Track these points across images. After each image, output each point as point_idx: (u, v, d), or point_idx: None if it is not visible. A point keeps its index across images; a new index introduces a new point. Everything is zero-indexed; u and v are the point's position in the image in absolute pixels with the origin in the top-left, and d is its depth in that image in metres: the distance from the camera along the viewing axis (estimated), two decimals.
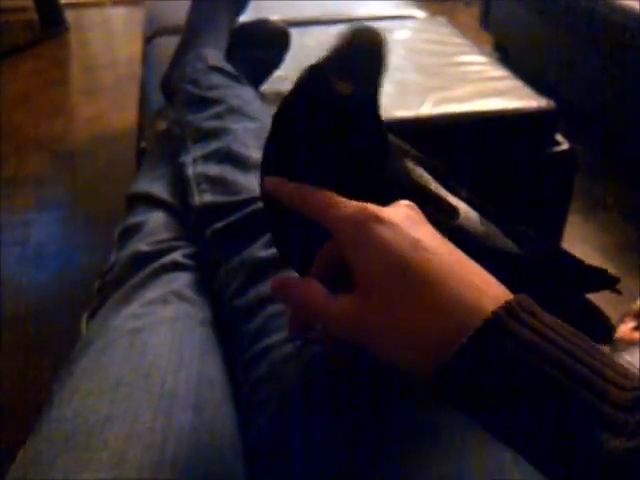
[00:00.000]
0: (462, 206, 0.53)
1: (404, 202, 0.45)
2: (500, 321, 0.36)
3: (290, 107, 0.50)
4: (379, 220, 0.41)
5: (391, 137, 0.54)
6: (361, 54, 0.46)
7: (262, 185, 0.52)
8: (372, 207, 0.42)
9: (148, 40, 1.81)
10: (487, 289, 0.39)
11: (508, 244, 0.53)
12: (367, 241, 0.41)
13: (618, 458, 0.32)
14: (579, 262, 0.53)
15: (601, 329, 0.53)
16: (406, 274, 0.39)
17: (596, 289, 0.53)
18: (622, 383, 0.34)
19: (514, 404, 0.36)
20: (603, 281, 0.53)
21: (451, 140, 1.35)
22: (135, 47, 2.68)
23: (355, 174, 0.49)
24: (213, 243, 0.75)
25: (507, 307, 0.37)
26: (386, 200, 0.45)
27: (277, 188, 0.49)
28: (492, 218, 0.54)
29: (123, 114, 2.51)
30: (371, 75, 0.46)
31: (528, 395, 0.35)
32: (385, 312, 0.40)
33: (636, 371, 0.36)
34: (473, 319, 0.37)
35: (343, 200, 0.44)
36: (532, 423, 0.35)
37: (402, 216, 0.43)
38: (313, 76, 0.47)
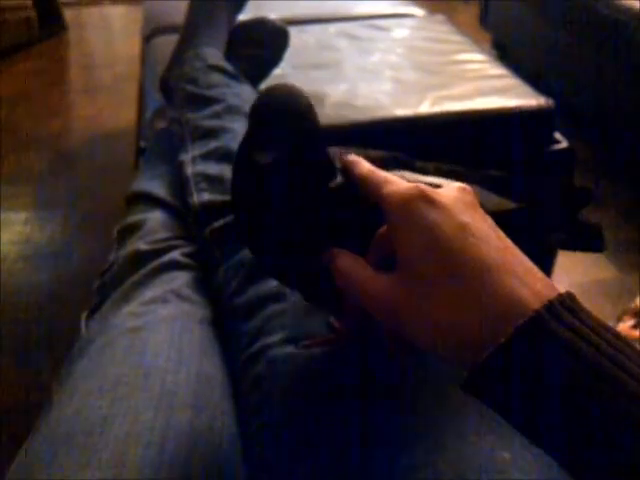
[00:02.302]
0: (440, 181, 0.53)
1: (457, 184, 0.44)
2: (542, 320, 0.35)
3: (234, 188, 0.50)
4: (429, 201, 0.40)
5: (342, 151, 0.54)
6: (272, 119, 0.46)
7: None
8: (423, 187, 0.41)
9: (147, 39, 1.81)
10: (531, 282, 0.37)
11: (499, 202, 0.53)
12: (413, 221, 0.40)
13: None
14: (564, 186, 0.57)
15: (596, 241, 0.57)
16: (450, 259, 0.38)
17: (582, 206, 0.57)
18: None
19: (550, 407, 0.34)
20: (586, 197, 0.57)
21: (450, 138, 1.35)
22: (134, 46, 2.68)
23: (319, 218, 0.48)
24: (212, 242, 0.75)
25: (549, 306, 0.35)
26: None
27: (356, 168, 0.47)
28: (466, 179, 0.55)
29: (122, 113, 2.51)
30: (290, 134, 0.46)
31: (565, 399, 0.34)
32: (424, 295, 0.39)
33: None
34: (514, 315, 0.35)
35: (399, 180, 0.44)
36: (566, 428, 0.34)
37: (453, 198, 0.41)
38: (239, 154, 0.49)
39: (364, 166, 0.47)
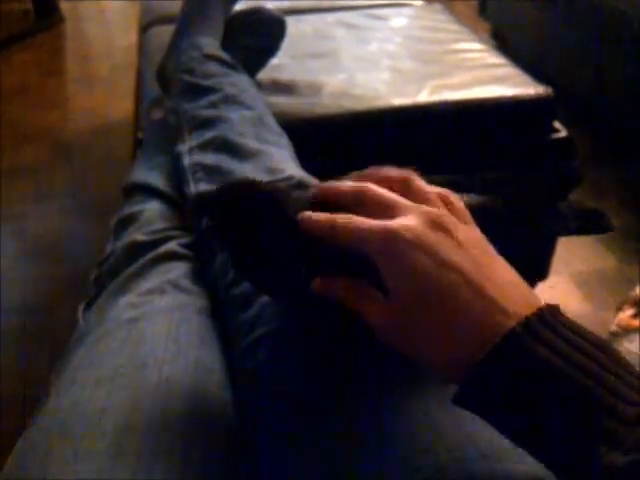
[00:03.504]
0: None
1: (428, 211, 0.46)
2: (516, 338, 0.38)
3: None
4: (404, 243, 0.42)
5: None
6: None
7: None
8: (397, 229, 0.43)
9: (144, 29, 1.80)
10: (511, 301, 0.40)
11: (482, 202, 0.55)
12: (396, 264, 0.43)
13: (613, 471, 0.33)
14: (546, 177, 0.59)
15: (600, 222, 0.58)
16: (431, 295, 0.41)
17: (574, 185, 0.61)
18: (632, 399, 0.36)
19: (524, 415, 0.38)
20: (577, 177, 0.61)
21: (448, 128, 1.34)
22: (131, 37, 2.67)
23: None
24: (209, 232, 0.75)
25: (525, 323, 0.38)
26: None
27: (309, 228, 0.49)
28: (460, 187, 0.56)
29: (120, 104, 2.50)
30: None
31: (538, 409, 0.37)
32: (413, 326, 0.43)
33: None
34: (494, 334, 0.38)
35: (364, 221, 0.45)
36: (541, 433, 0.37)
37: (427, 230, 0.43)
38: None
39: (318, 218, 0.48)
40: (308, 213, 0.49)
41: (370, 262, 0.45)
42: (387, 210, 0.46)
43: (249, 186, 0.52)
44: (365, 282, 0.47)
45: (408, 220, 0.44)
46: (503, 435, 0.40)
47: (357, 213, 0.47)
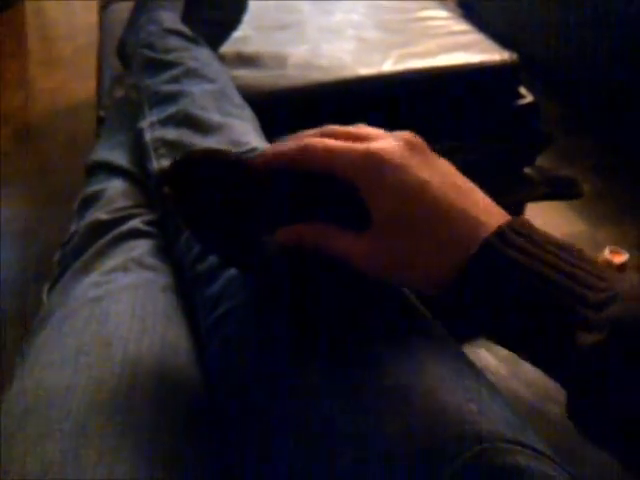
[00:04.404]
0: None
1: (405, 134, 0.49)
2: (491, 245, 0.42)
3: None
4: (387, 164, 0.45)
5: None
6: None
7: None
8: (377, 150, 0.46)
9: (104, 6, 1.77)
10: (485, 217, 0.44)
11: None
12: (379, 186, 0.45)
13: (586, 351, 0.37)
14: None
15: (571, 188, 0.62)
16: (414, 211, 0.45)
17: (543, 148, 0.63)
18: (599, 287, 0.40)
19: (505, 313, 0.42)
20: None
21: (414, 96, 1.34)
22: (93, 15, 2.61)
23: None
24: (168, 205, 0.74)
25: (498, 232, 0.42)
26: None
27: (275, 157, 0.50)
28: None
29: (84, 84, 2.45)
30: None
31: (517, 305, 0.41)
32: (397, 245, 0.45)
33: (614, 273, 0.42)
34: (472, 246, 0.42)
35: (342, 143, 0.48)
36: (521, 329, 0.41)
37: (406, 152, 0.47)
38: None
39: (284, 145, 0.50)
40: (273, 144, 0.51)
41: (341, 191, 0.47)
42: (359, 139, 0.49)
43: (200, 153, 0.52)
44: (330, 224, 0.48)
45: (386, 143, 0.47)
46: (486, 334, 0.44)
47: None
